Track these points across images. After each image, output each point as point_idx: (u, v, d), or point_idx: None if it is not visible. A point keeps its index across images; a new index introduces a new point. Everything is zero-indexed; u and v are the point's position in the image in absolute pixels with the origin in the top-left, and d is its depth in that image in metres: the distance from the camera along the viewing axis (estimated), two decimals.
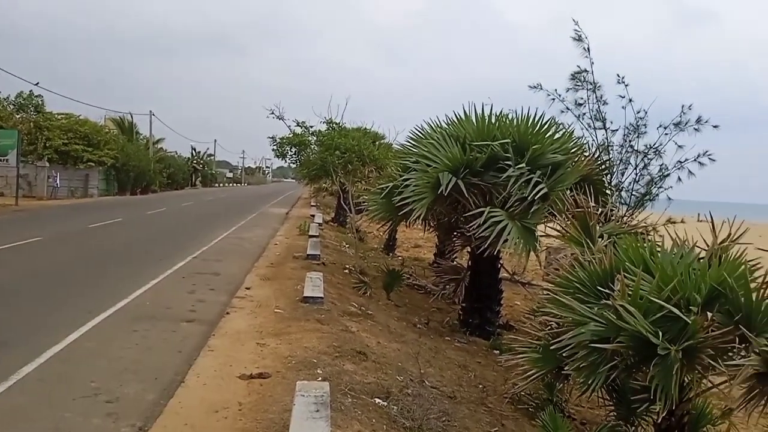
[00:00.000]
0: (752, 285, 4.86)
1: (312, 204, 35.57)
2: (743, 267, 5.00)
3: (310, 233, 17.16)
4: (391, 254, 19.22)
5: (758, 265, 5.39)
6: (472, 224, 8.79)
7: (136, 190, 44.39)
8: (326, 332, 7.15)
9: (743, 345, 4.56)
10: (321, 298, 8.74)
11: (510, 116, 9.74)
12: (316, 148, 17.81)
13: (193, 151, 73.17)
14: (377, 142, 20.63)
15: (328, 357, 6.14)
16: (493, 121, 9.61)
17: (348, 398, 5.10)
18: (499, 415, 5.96)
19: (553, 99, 11.35)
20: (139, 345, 6.67)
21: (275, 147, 19.97)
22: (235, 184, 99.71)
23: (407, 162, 10.20)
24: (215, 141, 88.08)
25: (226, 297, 9.35)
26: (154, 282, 10.27)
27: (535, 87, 11.34)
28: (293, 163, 21.80)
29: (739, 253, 5.51)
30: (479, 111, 9.68)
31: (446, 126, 10.13)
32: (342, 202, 21.47)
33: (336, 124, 16.51)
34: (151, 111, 54.53)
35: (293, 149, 19.17)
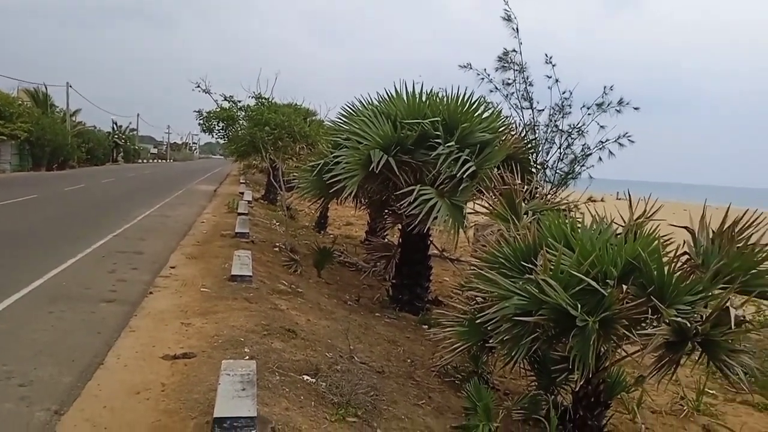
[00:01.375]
0: (664, 259, 5.13)
1: (241, 181, 34.80)
2: (656, 242, 5.26)
3: (239, 211, 16.81)
4: (322, 232, 19.12)
5: (670, 241, 5.70)
6: (402, 202, 8.83)
7: (52, 165, 42.01)
8: (254, 311, 7.04)
9: (655, 316, 4.82)
10: (249, 276, 8.59)
11: (440, 95, 9.80)
12: (244, 124, 17.33)
13: (114, 126, 69.85)
14: (309, 119, 20.32)
15: (256, 335, 6.06)
16: (423, 99, 9.63)
17: (276, 376, 5.06)
18: (426, 388, 6.07)
19: (482, 79, 11.52)
20: (54, 327, 6.35)
21: (201, 121, 19.29)
22: (159, 160, 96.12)
23: (338, 139, 10.11)
24: (138, 115, 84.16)
25: (149, 276, 9.04)
26: (72, 261, 9.79)
27: (464, 66, 11.45)
28: (221, 139, 21.16)
29: (652, 230, 5.80)
30: (410, 89, 9.68)
31: (377, 103, 10.08)
32: (272, 180, 21.10)
33: (265, 99, 16.10)
34: (68, 82, 51.58)
35: (221, 124, 18.56)
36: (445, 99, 9.62)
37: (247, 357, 5.29)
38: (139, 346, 5.83)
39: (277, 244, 13.26)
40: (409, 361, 7.03)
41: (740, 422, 7.23)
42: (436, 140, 8.97)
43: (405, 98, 9.71)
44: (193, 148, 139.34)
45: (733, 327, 4.49)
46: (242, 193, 24.15)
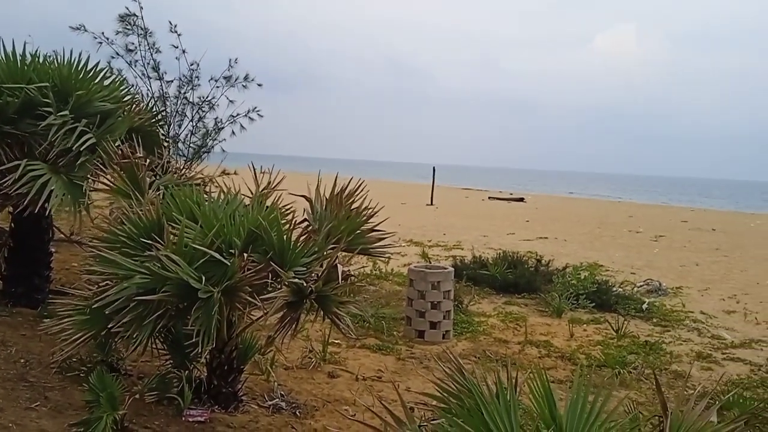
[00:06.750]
0: (286, 227, 5.51)
1: None
2: (276, 211, 5.62)
3: None
4: None
5: (291, 209, 6.16)
6: (6, 179, 7.57)
7: None
8: None
9: (277, 280, 5.15)
10: None
11: (50, 58, 8.64)
12: None
13: None
14: None
15: None
16: (28, 62, 8.34)
17: None
18: (42, 387, 5.40)
19: (101, 42, 10.54)
20: None
21: None
22: None
23: None
24: None
25: None
26: None
27: (78, 28, 10.27)
28: None
29: (277, 199, 6.19)
30: (9, 50, 8.26)
31: None
32: None
33: None
34: None
35: None
36: (55, 63, 8.51)
37: None
38: None
39: None
40: (22, 361, 6.14)
41: (359, 364, 8.35)
42: (46, 109, 7.88)
43: (3, 59, 8.25)
44: None
45: (340, 282, 5.09)
46: None
